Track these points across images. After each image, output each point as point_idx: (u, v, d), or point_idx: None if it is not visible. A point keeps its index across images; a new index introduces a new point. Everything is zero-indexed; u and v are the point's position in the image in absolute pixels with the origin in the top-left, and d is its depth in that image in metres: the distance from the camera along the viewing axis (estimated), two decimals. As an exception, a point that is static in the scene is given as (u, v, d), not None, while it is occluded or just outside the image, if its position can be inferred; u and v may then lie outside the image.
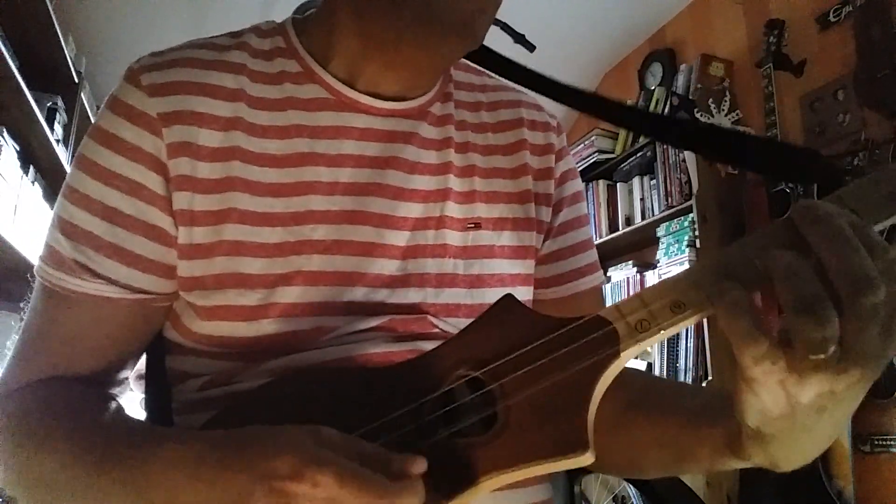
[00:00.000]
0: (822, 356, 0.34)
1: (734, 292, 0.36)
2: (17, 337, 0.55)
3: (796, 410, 0.37)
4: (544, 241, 0.66)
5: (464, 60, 0.68)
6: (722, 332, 0.38)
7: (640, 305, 0.42)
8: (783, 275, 0.35)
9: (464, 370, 0.44)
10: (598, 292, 0.70)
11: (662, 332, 0.41)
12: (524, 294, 0.63)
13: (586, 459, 0.40)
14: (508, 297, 0.46)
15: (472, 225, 0.60)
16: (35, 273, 0.54)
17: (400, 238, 0.57)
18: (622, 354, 0.41)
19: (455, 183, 0.60)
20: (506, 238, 0.62)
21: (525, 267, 0.63)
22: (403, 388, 0.45)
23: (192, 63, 0.55)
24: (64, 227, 0.53)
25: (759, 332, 0.35)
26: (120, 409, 0.52)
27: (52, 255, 0.53)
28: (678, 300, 0.41)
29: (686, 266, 2.44)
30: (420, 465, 0.39)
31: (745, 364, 0.37)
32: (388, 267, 0.56)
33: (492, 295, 0.59)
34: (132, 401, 0.61)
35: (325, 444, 0.38)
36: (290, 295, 0.53)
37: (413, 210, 0.58)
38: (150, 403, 0.59)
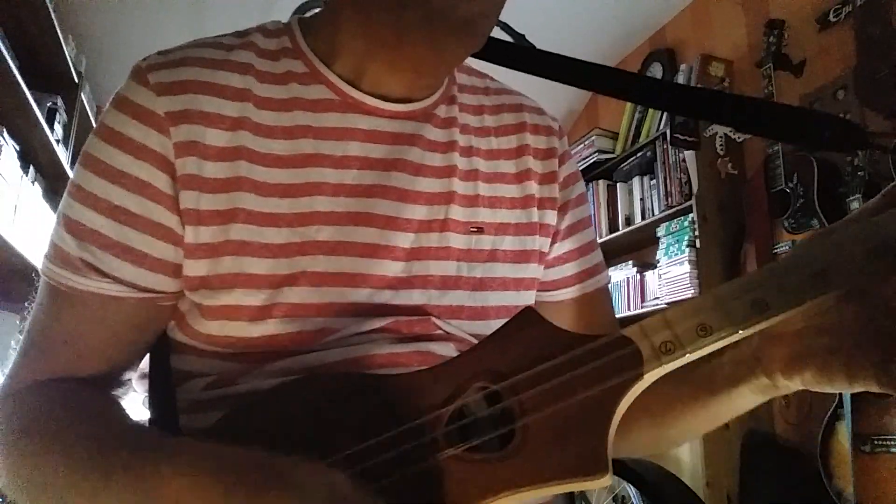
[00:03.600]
0: None
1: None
2: (18, 337, 0.55)
3: None
4: (552, 245, 0.66)
5: (468, 62, 0.68)
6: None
7: (664, 325, 0.41)
8: None
9: (481, 383, 0.43)
10: (605, 292, 0.70)
11: (689, 355, 0.40)
12: (527, 298, 0.63)
13: (604, 482, 0.39)
14: (529, 310, 0.46)
15: (475, 229, 0.60)
16: (40, 272, 0.54)
17: (404, 240, 0.57)
18: (645, 377, 0.41)
19: (459, 186, 0.60)
20: (508, 243, 0.62)
21: (528, 271, 0.63)
22: (419, 397, 0.44)
23: (199, 62, 0.55)
24: (70, 225, 0.53)
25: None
26: (125, 413, 0.52)
27: (57, 254, 0.53)
28: (704, 323, 0.40)
29: (686, 266, 2.44)
30: None
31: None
32: (392, 268, 0.56)
33: (494, 298, 0.60)
34: (135, 400, 0.60)
35: (336, 497, 0.37)
36: (294, 295, 0.53)
37: (417, 212, 0.58)
38: (155, 403, 0.59)
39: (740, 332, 0.40)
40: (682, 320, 0.41)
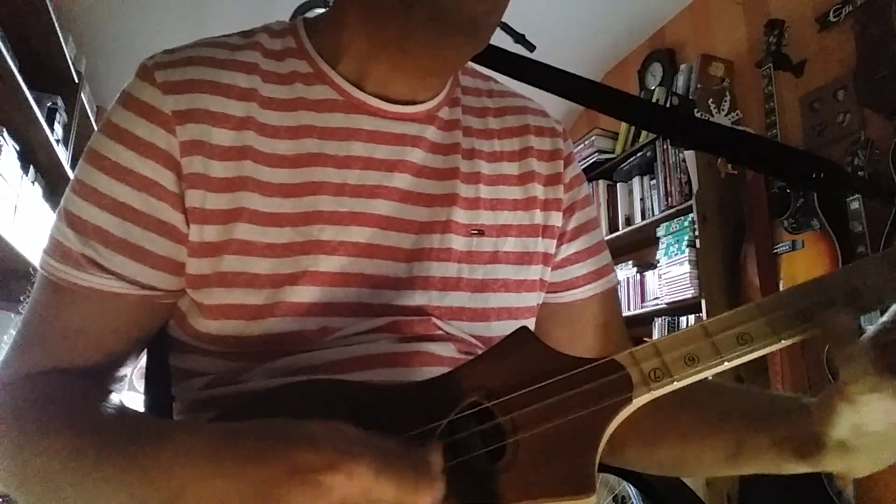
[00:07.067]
0: None
1: (842, 319, 0.38)
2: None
3: (891, 428, 0.39)
4: (559, 247, 0.66)
5: (471, 65, 0.68)
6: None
7: (654, 354, 0.43)
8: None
9: (475, 399, 0.44)
10: (613, 293, 0.70)
11: (676, 383, 0.42)
12: (529, 300, 0.63)
13: (590, 501, 0.41)
14: (524, 330, 0.47)
15: (476, 231, 0.60)
16: (38, 266, 0.54)
17: (406, 241, 0.57)
18: (634, 401, 0.42)
19: (461, 189, 0.60)
20: (510, 244, 0.62)
21: (531, 273, 0.63)
22: (413, 410, 0.44)
23: (206, 62, 0.55)
24: (72, 221, 0.53)
25: (864, 371, 0.38)
26: (121, 402, 0.51)
27: (57, 249, 0.53)
28: (692, 353, 0.42)
29: (686, 266, 2.44)
30: (437, 454, 0.38)
31: (848, 390, 0.39)
32: (393, 269, 0.56)
33: (495, 300, 0.60)
34: (136, 400, 0.60)
35: (351, 438, 0.37)
36: (296, 295, 0.53)
37: (420, 213, 0.58)
38: (150, 402, 0.59)
39: (725, 363, 0.42)
40: (671, 349, 0.43)
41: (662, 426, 0.56)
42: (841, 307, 0.42)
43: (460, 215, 0.59)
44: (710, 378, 0.45)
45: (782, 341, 0.42)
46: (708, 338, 0.43)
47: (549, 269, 0.65)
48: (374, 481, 0.35)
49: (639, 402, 0.42)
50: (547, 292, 0.66)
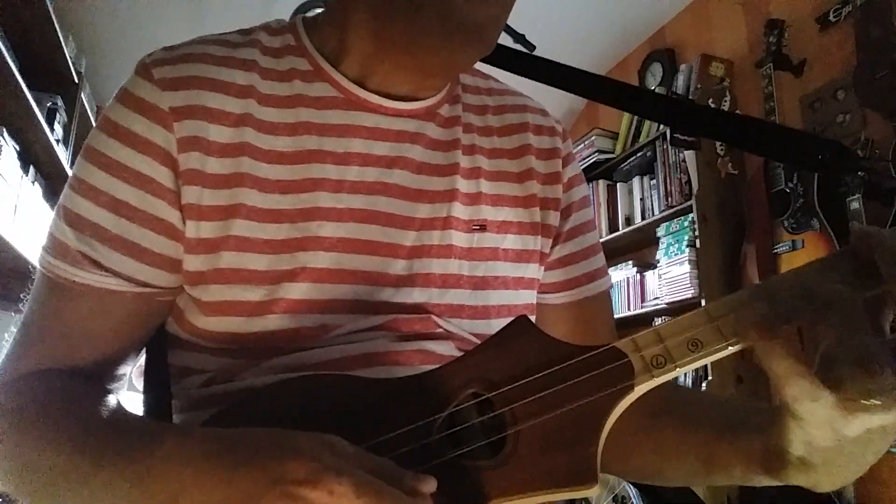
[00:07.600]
0: (874, 402, 0.34)
1: (779, 332, 0.36)
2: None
3: (843, 443, 0.38)
4: (553, 246, 0.66)
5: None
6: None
7: (656, 340, 0.42)
8: (838, 332, 0.35)
9: (474, 390, 0.44)
10: (606, 297, 0.70)
11: (678, 369, 0.41)
12: (528, 298, 0.63)
13: (593, 491, 0.40)
14: (523, 319, 0.46)
15: (478, 227, 0.60)
16: (38, 263, 0.54)
17: (406, 238, 0.57)
18: (636, 389, 0.41)
19: (462, 184, 0.60)
20: (509, 241, 0.62)
21: (529, 271, 0.63)
22: (412, 403, 0.44)
23: (204, 58, 0.55)
24: (70, 217, 0.53)
25: (798, 374, 0.36)
26: (119, 403, 0.51)
27: (56, 246, 0.53)
28: (695, 338, 0.41)
29: (686, 266, 2.44)
30: (430, 485, 0.39)
31: (787, 401, 0.37)
32: (393, 266, 0.56)
33: (495, 297, 0.60)
34: (135, 399, 0.60)
35: (340, 454, 0.38)
36: (294, 291, 0.53)
37: (420, 210, 0.58)
38: (149, 401, 0.59)
39: (729, 347, 0.41)
40: (673, 335, 0.42)
41: (638, 435, 0.56)
42: (843, 289, 0.39)
43: (461, 211, 0.59)
44: (686, 386, 0.44)
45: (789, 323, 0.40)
46: (711, 322, 0.41)
47: (543, 268, 0.65)
48: (354, 499, 0.35)
49: (641, 389, 0.42)
50: (539, 292, 0.65)
